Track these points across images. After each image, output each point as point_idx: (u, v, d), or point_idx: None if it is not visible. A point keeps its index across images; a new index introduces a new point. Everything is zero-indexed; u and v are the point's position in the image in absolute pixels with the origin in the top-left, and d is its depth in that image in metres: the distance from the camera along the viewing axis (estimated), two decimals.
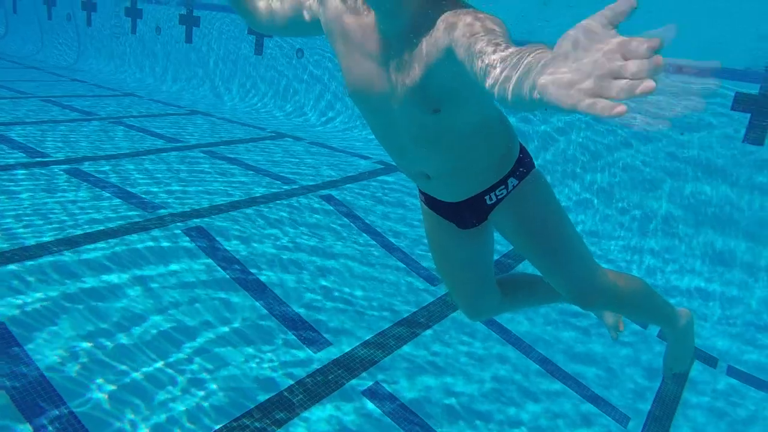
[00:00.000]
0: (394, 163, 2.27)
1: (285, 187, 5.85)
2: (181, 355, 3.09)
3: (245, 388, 2.98)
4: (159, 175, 5.66)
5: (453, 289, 2.43)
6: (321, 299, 3.95)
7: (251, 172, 6.28)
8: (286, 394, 3.01)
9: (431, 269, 4.67)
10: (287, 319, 3.62)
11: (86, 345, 2.98)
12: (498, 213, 2.08)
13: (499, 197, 2.03)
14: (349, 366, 3.34)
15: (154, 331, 3.22)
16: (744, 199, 6.07)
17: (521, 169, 2.04)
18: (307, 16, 1.90)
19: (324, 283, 4.16)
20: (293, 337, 3.48)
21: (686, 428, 3.53)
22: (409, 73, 1.62)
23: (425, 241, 2.46)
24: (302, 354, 3.35)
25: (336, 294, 4.06)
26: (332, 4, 1.77)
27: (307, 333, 3.55)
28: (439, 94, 1.63)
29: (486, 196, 2.03)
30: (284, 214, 5.08)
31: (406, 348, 3.63)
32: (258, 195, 5.46)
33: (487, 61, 1.21)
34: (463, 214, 2.13)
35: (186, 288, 3.68)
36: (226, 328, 3.40)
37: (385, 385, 3.26)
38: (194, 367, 3.04)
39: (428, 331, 3.85)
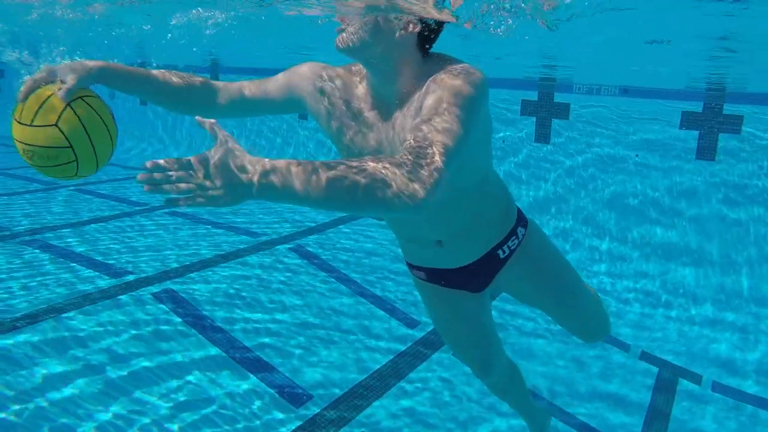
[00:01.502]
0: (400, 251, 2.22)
1: (254, 240, 5.79)
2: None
3: None
4: (127, 240, 5.54)
5: (466, 354, 2.45)
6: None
7: (221, 229, 6.20)
8: None
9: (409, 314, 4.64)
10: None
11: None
12: (511, 266, 2.06)
13: (512, 248, 2.03)
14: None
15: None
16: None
17: (524, 220, 2.10)
18: (287, 96, 1.83)
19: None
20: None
21: None
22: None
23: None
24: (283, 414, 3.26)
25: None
26: (330, 84, 1.74)
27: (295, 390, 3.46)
28: None
29: (499, 250, 2.02)
30: (257, 271, 5.01)
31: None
32: (229, 251, 5.38)
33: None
34: (477, 275, 2.09)
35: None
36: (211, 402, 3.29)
37: None
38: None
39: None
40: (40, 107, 1.51)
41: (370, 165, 1.22)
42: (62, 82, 1.54)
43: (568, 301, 2.24)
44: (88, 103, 1.56)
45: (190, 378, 3.40)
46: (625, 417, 3.69)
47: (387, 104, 1.66)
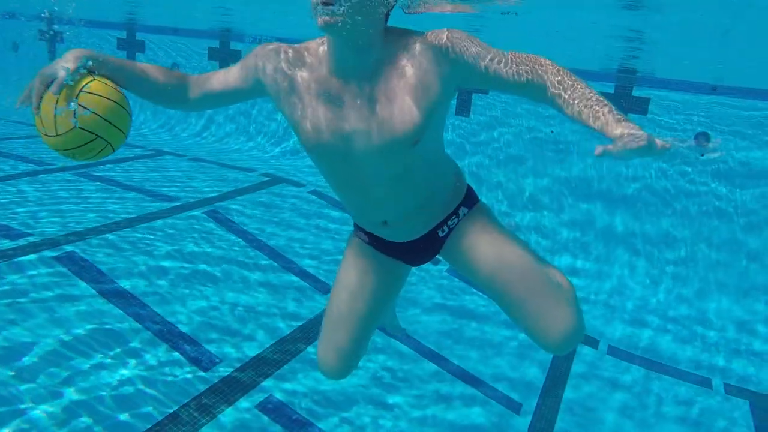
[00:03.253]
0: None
1: (168, 204, 5.61)
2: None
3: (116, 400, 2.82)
4: (31, 199, 5.23)
5: (337, 334, 2.22)
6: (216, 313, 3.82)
7: (132, 192, 5.96)
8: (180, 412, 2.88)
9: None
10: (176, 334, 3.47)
11: None
12: (451, 243, 2.06)
13: (451, 227, 2.04)
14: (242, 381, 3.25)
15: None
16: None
17: (471, 200, 2.09)
18: (251, 84, 1.85)
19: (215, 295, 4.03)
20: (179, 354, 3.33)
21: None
22: (396, 108, 1.65)
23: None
24: (189, 370, 3.22)
25: (228, 307, 3.94)
26: (289, 65, 1.75)
27: (195, 348, 3.42)
28: (427, 123, 1.68)
29: (438, 229, 2.04)
30: (171, 231, 4.87)
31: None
32: (141, 214, 5.20)
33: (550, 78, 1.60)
34: (418, 250, 2.10)
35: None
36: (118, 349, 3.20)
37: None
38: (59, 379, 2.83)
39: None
40: (55, 117, 1.65)
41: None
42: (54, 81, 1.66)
43: (507, 288, 1.97)
44: (91, 92, 1.68)
45: (94, 348, 3.29)
46: (530, 373, 3.89)
47: (357, 78, 1.66)
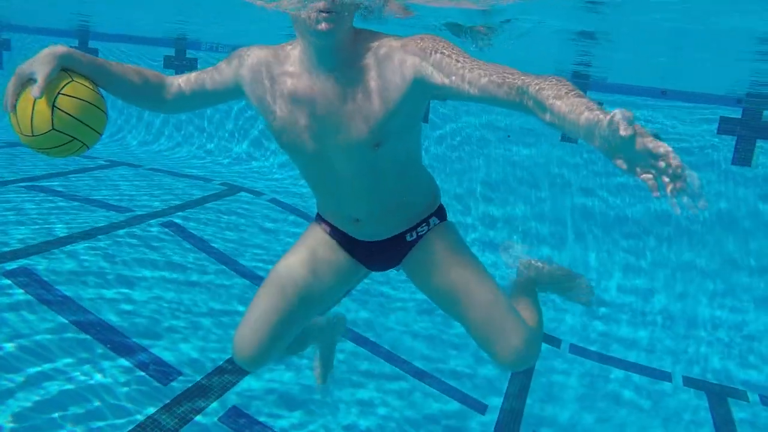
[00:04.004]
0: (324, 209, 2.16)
1: (122, 216, 5.47)
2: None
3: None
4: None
5: (262, 322, 2.06)
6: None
7: (81, 203, 5.80)
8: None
9: None
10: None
11: None
12: (417, 252, 2.06)
13: (420, 234, 2.05)
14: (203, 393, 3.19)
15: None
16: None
17: (442, 215, 2.12)
18: (230, 85, 1.89)
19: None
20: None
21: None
22: (357, 109, 1.69)
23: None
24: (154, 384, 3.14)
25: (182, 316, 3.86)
26: (265, 66, 1.80)
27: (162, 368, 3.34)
28: (384, 127, 1.71)
29: (407, 233, 2.05)
30: (126, 248, 4.75)
31: None
32: (95, 226, 5.05)
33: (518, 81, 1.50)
34: (381, 252, 2.09)
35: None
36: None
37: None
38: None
39: None
40: (32, 118, 1.65)
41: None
42: (33, 80, 1.65)
43: (464, 302, 1.99)
44: (69, 95, 1.68)
45: (53, 364, 3.18)
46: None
47: (327, 78, 1.71)
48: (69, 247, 4.43)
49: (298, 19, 1.65)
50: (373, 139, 1.72)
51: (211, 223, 5.69)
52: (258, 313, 2.06)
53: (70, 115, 1.66)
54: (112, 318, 3.64)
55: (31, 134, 1.66)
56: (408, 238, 2.05)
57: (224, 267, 4.73)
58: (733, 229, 5.90)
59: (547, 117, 1.42)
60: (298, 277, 2.06)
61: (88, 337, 3.39)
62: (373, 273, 2.27)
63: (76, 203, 5.66)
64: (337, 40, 1.65)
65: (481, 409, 3.66)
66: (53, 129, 1.65)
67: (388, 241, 2.06)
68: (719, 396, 4.24)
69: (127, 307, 3.83)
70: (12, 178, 6.28)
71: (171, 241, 5.00)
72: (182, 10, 6.47)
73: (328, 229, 2.13)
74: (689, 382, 4.40)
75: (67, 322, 3.47)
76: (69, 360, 3.16)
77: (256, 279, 4.59)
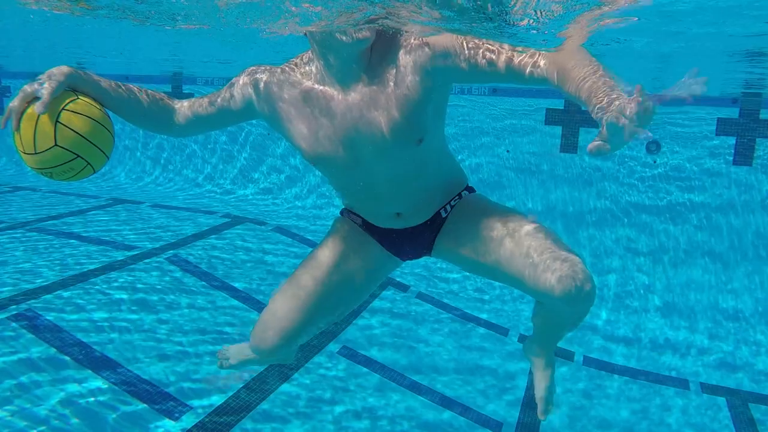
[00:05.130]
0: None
1: (127, 253, 5.47)
2: None
3: None
4: None
5: (295, 302, 2.05)
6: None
7: (89, 244, 5.81)
8: None
9: None
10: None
11: None
12: (449, 225, 2.02)
13: (453, 205, 2.04)
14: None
15: None
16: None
17: (470, 188, 2.14)
18: (240, 106, 1.86)
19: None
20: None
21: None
22: (394, 109, 1.68)
23: None
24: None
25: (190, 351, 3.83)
26: (278, 85, 1.78)
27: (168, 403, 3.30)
28: (425, 121, 1.72)
29: (441, 209, 2.04)
30: (133, 280, 4.74)
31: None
32: (100, 266, 5.05)
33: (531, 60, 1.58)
34: (418, 236, 2.06)
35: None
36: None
37: None
38: None
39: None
40: (35, 134, 1.58)
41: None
42: (37, 98, 1.61)
43: (508, 243, 1.82)
44: (73, 111, 1.62)
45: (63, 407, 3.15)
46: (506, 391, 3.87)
47: (352, 86, 1.70)
48: (70, 290, 4.42)
49: (329, 37, 1.64)
50: (417, 134, 1.73)
51: (220, 256, 5.68)
52: (285, 306, 2.04)
53: (73, 131, 1.60)
54: (124, 361, 3.61)
55: (33, 152, 1.60)
56: (443, 214, 2.04)
57: (237, 301, 4.71)
58: (739, 228, 5.85)
59: (568, 94, 1.50)
60: (329, 268, 2.04)
61: (84, 367, 3.37)
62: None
63: (82, 243, 5.67)
64: (364, 48, 1.65)
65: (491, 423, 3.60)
66: (56, 145, 1.59)
67: (424, 223, 2.04)
68: (739, 397, 4.17)
69: (131, 340, 3.80)
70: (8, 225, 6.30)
71: (179, 276, 4.99)
72: (177, 49, 6.54)
73: (359, 221, 2.11)
74: (706, 387, 4.33)
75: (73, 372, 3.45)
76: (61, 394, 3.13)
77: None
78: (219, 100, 1.89)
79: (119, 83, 1.81)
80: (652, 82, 6.23)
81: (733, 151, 5.89)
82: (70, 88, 1.66)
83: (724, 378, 4.49)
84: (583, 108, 1.42)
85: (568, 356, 4.56)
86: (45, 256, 5.22)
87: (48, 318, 3.90)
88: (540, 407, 2.15)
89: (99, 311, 4.13)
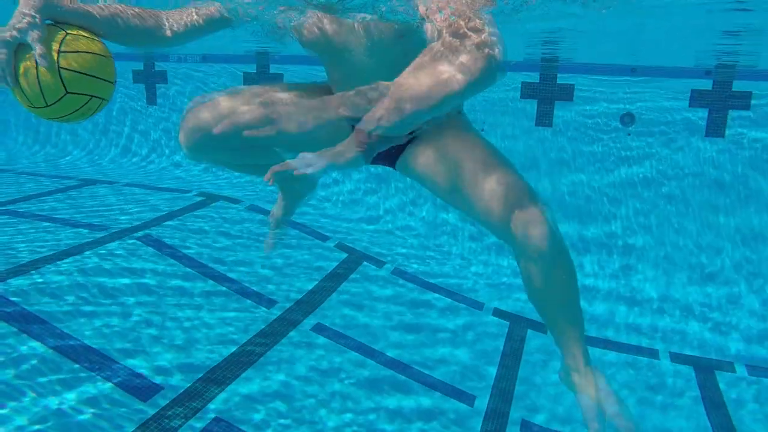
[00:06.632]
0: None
1: (100, 233, 5.40)
2: None
3: None
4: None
5: (231, 114, 1.94)
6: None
7: (63, 225, 5.71)
8: None
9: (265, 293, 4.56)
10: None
11: None
12: (420, 139, 1.97)
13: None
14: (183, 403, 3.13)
15: None
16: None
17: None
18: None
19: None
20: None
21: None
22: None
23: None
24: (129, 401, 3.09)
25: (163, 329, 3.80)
26: None
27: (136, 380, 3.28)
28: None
29: None
30: (97, 261, 4.67)
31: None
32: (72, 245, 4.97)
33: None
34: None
35: None
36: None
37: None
38: None
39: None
40: (41, 87, 1.50)
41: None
42: (24, 45, 1.50)
43: (473, 182, 1.77)
44: (71, 51, 1.53)
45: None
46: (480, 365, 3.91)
47: None
48: (40, 272, 4.35)
49: None
50: (398, 29, 1.75)
51: (194, 235, 5.62)
52: (226, 105, 1.95)
53: (79, 72, 1.52)
54: (88, 336, 3.57)
55: (44, 105, 1.52)
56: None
57: (212, 281, 4.67)
58: (711, 200, 5.90)
59: None
60: (287, 94, 2.01)
61: (62, 356, 3.33)
62: None
63: (55, 225, 5.58)
64: None
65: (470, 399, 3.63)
66: (68, 93, 1.52)
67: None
68: (707, 370, 4.25)
69: (105, 323, 3.76)
70: None
71: (153, 256, 4.93)
72: None
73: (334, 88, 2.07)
74: (676, 357, 4.41)
75: (41, 344, 3.40)
76: (43, 380, 3.09)
77: (247, 294, 4.53)
78: (213, 9, 1.91)
79: (101, 5, 1.71)
80: (628, 57, 6.22)
81: (705, 123, 5.91)
82: (51, 21, 1.55)
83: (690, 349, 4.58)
84: None
85: (544, 329, 4.60)
86: (18, 238, 5.13)
87: (14, 300, 3.84)
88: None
89: (68, 294, 4.08)
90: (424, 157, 1.94)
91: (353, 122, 1.68)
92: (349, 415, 3.31)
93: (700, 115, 5.91)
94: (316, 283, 4.79)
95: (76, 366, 3.29)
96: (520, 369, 4.01)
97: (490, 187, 1.71)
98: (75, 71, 1.52)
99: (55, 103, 1.52)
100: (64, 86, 1.51)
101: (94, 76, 1.56)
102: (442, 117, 1.93)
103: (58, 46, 1.51)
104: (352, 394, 3.51)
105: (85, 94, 1.55)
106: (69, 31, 1.57)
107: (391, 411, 3.41)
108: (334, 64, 1.95)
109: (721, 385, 4.04)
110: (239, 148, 1.94)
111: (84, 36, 1.58)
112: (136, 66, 9.22)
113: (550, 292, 1.83)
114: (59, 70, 1.50)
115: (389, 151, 2.01)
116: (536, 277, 1.79)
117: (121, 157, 9.58)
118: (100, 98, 1.61)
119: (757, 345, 4.65)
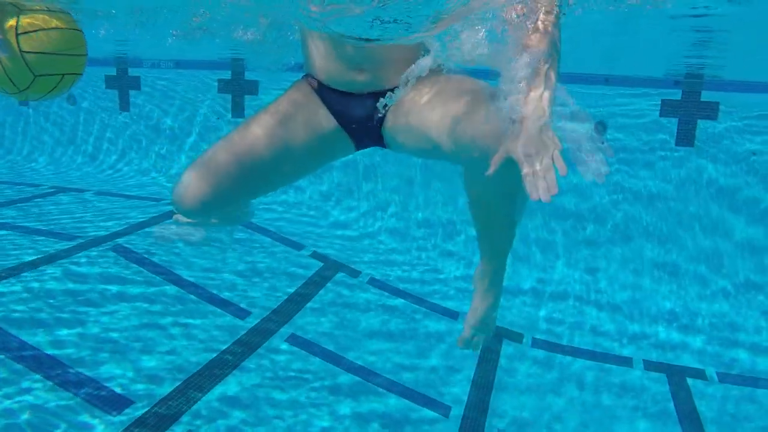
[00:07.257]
0: None
1: (68, 243, 5.26)
2: None
3: None
4: None
5: (224, 167, 1.91)
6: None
7: (30, 234, 5.56)
8: None
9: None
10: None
11: None
12: (406, 99, 1.91)
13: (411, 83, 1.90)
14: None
15: None
16: None
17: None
18: None
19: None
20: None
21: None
22: None
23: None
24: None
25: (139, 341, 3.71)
26: None
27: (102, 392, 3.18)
28: None
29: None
30: (75, 270, 4.55)
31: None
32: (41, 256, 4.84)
33: None
34: (368, 109, 1.93)
35: None
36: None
37: None
38: None
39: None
40: (7, 74, 1.41)
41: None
42: None
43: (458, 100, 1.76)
44: (28, 31, 1.41)
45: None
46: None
47: None
48: (9, 282, 4.22)
49: None
50: None
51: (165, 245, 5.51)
52: (212, 168, 1.88)
53: (43, 53, 1.43)
54: (50, 345, 3.46)
55: (17, 90, 1.45)
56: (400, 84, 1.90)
57: (184, 291, 4.57)
58: (681, 209, 5.97)
59: None
60: (269, 127, 1.93)
61: (23, 366, 3.22)
62: None
63: (22, 234, 5.42)
64: None
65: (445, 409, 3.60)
66: (36, 76, 1.43)
67: (382, 92, 1.89)
68: (680, 376, 4.27)
69: (72, 332, 3.65)
70: None
71: (124, 266, 4.82)
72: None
73: (315, 83, 1.99)
74: (649, 365, 4.43)
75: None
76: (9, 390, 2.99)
77: (224, 305, 4.44)
78: None
79: None
80: (603, 63, 6.28)
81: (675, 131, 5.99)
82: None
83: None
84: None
85: (517, 338, 4.60)
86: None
87: None
88: (463, 334, 2.20)
89: (35, 301, 3.96)
90: (405, 113, 1.91)
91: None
92: (324, 422, 3.25)
93: (671, 124, 6.00)
94: (291, 290, 4.74)
95: (37, 376, 3.18)
96: (496, 376, 3.99)
97: (478, 117, 1.69)
98: (39, 53, 1.42)
99: (27, 88, 1.45)
100: (31, 70, 1.42)
101: (60, 54, 1.46)
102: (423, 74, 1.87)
103: (14, 29, 1.41)
104: (325, 401, 3.46)
105: (56, 74, 1.47)
106: (21, 8, 1.44)
107: (364, 418, 3.37)
108: (342, 53, 1.86)
109: (693, 392, 4.07)
110: (243, 191, 1.98)
111: (38, 10, 1.45)
112: (109, 71, 9.06)
113: (504, 212, 1.93)
114: (22, 55, 1.40)
115: (371, 131, 1.98)
116: (489, 185, 1.78)
117: (89, 165, 9.39)
118: (72, 74, 1.52)
119: (729, 351, 4.70)
